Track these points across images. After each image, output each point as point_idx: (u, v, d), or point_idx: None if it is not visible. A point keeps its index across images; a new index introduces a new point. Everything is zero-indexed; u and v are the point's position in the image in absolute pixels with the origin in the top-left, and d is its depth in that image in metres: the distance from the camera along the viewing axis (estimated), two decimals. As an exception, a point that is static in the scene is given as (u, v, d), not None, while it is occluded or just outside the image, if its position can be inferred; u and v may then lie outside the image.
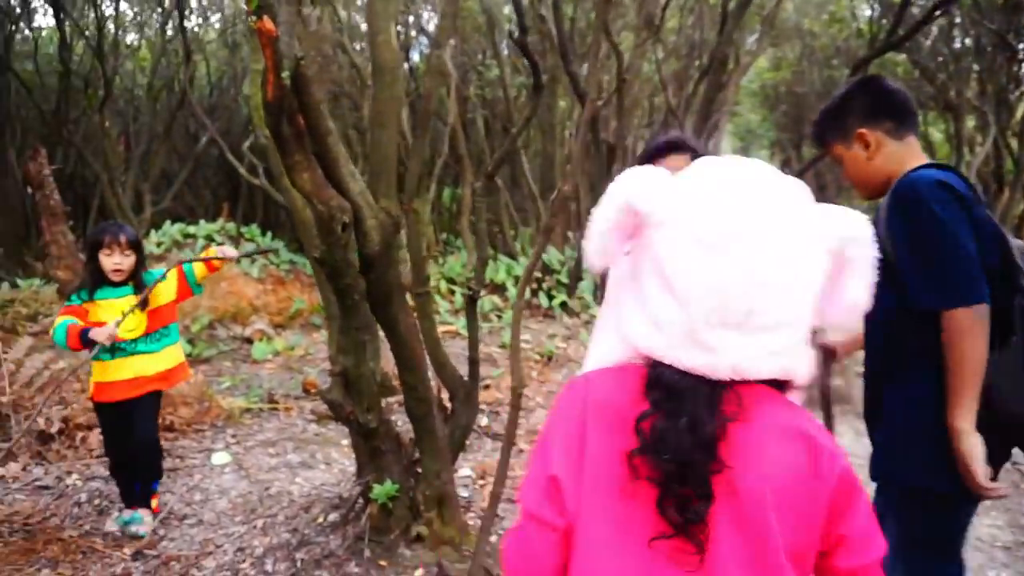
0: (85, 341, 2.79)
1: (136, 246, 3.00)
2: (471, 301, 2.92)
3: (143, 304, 2.92)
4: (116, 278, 2.96)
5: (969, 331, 1.45)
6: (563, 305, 8.07)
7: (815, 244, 0.88)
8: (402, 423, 3.97)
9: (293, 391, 5.08)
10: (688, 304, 0.86)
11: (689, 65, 8.81)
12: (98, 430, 3.95)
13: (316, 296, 8.41)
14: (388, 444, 2.67)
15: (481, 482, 4.05)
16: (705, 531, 0.84)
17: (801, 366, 0.90)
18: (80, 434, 3.88)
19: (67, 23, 7.71)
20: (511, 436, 2.54)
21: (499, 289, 8.39)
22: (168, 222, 9.98)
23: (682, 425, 0.83)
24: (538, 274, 8.45)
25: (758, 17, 8.55)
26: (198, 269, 3.10)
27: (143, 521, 3.09)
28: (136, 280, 3.02)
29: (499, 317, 7.71)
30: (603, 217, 0.93)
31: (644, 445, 0.85)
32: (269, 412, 4.63)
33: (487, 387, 5.84)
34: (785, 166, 16.31)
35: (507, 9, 8.57)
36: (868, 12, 10.23)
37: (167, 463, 3.57)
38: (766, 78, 10.30)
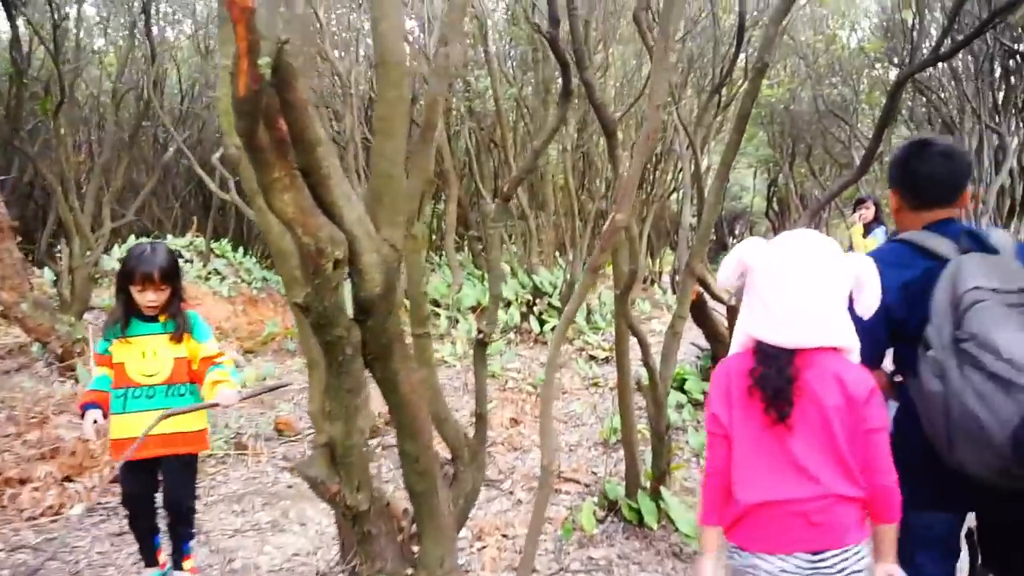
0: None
1: (171, 276, 2.67)
2: (480, 345, 2.45)
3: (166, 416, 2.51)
4: (150, 313, 2.66)
5: None
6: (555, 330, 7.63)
7: (838, 274, 1.61)
8: (392, 479, 3.48)
9: (264, 431, 4.54)
10: (768, 309, 1.63)
11: (685, 81, 8.47)
12: (31, 486, 3.40)
13: (290, 318, 7.88)
14: (381, 525, 2.17)
15: (479, 544, 3.55)
16: (792, 421, 1.58)
17: (842, 339, 1.62)
18: (10, 491, 3.32)
19: (19, 21, 7.08)
20: (537, 527, 2.06)
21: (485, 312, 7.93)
22: (133, 236, 9.38)
23: (772, 372, 1.59)
24: (528, 296, 8.00)
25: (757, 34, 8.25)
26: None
27: None
28: (173, 314, 2.70)
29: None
30: (729, 264, 1.72)
31: (754, 382, 1.61)
32: (236, 458, 4.09)
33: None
34: (772, 185, 16.10)
35: (496, 17, 8.17)
36: (862, 32, 10.02)
37: (99, 520, 3.03)
38: (764, 95, 10.02)
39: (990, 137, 7.50)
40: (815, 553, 1.55)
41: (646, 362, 3.31)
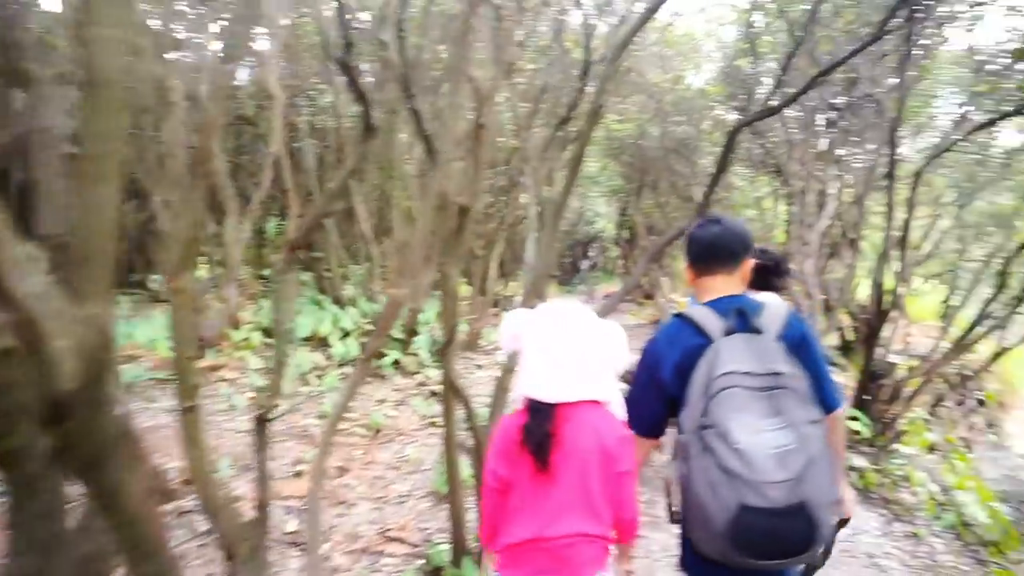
0: None
1: None
2: (260, 424, 2.04)
3: None
4: None
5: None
6: (395, 364, 7.20)
7: (597, 337, 1.86)
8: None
9: None
10: (532, 369, 1.85)
11: (535, 110, 8.40)
12: None
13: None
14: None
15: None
16: (553, 469, 1.78)
17: (597, 394, 1.86)
18: None
19: None
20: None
21: (322, 343, 7.36)
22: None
23: (535, 425, 1.80)
24: (369, 326, 7.53)
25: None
26: None
27: None
28: None
29: (320, 378, 6.68)
30: (505, 332, 1.95)
31: (523, 435, 1.80)
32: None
33: (298, 475, 4.85)
34: (623, 213, 16.62)
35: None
36: (706, 74, 10.51)
37: None
38: (614, 130, 10.21)
39: (812, 183, 7.99)
40: None
41: (470, 423, 3.01)
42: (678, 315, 1.97)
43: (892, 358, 5.53)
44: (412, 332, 7.65)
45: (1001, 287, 5.21)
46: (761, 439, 1.64)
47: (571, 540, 1.76)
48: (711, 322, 1.86)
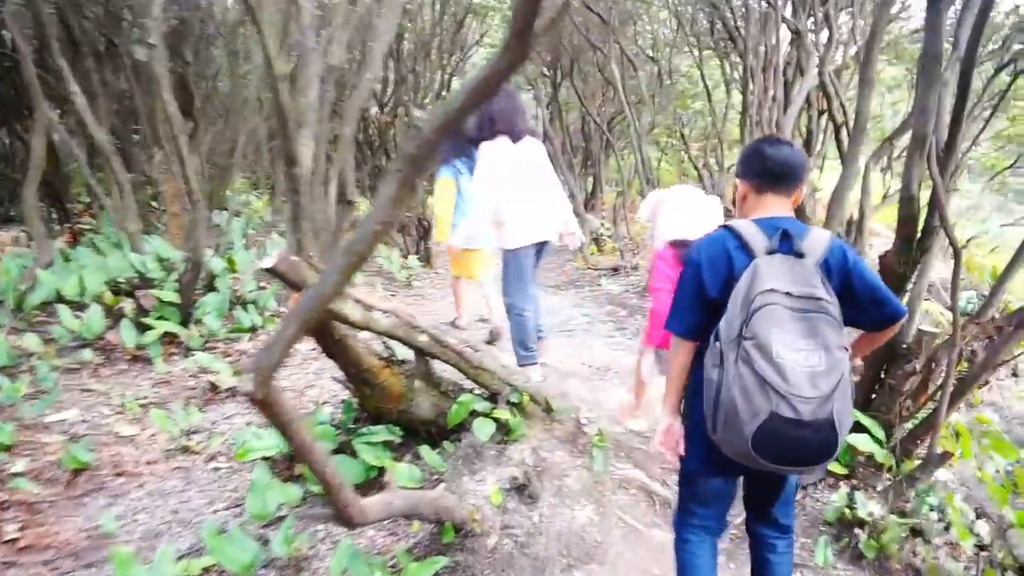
0: None
1: None
2: None
3: None
4: None
5: (672, 351, 2.12)
6: (167, 339, 4.75)
7: (705, 205, 3.23)
8: None
9: None
10: (674, 223, 3.22)
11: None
12: None
13: None
14: None
15: None
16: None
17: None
18: None
19: None
20: None
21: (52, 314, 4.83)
22: None
23: (680, 250, 3.10)
24: (127, 286, 5.00)
25: None
26: None
27: None
28: None
29: (23, 375, 4.20)
30: (648, 206, 3.39)
31: (675, 256, 3.15)
32: None
33: None
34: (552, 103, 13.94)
35: None
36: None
37: None
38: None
39: (778, 52, 5.57)
40: None
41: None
42: (725, 226, 2.01)
43: (922, 324, 3.29)
44: (193, 290, 5.13)
45: None
46: (797, 357, 1.74)
47: None
48: (755, 239, 1.92)
